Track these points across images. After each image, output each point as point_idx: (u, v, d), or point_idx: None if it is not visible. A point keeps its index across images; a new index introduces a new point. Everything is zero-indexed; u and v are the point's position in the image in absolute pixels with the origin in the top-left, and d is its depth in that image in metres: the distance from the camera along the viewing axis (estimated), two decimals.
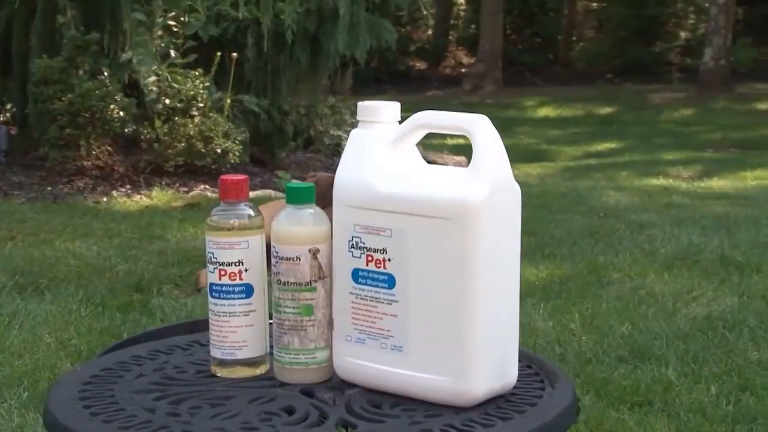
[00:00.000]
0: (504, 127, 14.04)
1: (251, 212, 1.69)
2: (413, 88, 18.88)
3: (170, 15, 6.45)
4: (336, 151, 7.41)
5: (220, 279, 1.68)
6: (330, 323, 1.67)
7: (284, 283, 1.65)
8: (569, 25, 22.26)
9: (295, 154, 7.22)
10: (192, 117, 6.44)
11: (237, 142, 6.46)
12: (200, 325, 3.65)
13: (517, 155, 11.93)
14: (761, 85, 19.27)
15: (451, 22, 22.87)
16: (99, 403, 1.61)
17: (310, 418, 1.55)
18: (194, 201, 5.91)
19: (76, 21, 6.57)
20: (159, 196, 6.16)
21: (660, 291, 4.31)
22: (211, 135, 6.37)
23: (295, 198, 1.66)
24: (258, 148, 6.93)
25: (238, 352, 1.69)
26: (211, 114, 6.48)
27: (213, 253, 1.68)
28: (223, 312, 1.69)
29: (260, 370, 1.71)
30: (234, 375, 1.70)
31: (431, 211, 1.54)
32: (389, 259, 1.58)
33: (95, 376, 1.73)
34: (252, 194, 6.29)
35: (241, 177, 1.71)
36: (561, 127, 14.26)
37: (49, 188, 6.41)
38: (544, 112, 16.07)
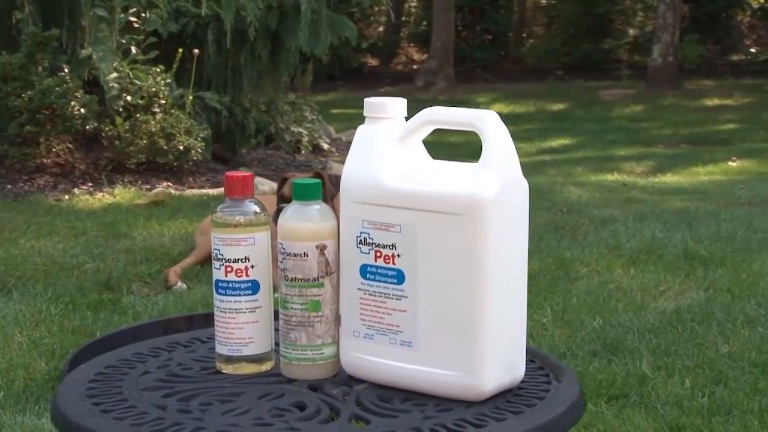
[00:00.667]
0: None
1: (257, 208, 1.69)
2: (366, 85, 18.89)
3: (131, 11, 6.40)
4: (297, 147, 7.40)
5: (226, 275, 1.68)
6: (337, 319, 1.67)
7: (291, 279, 1.65)
8: (519, 22, 22.38)
9: (256, 151, 7.20)
10: (154, 114, 6.40)
11: (199, 139, 6.42)
12: (176, 323, 3.66)
13: (472, 152, 11.95)
14: (708, 82, 19.49)
15: (403, 19, 22.90)
16: (108, 400, 1.60)
17: (322, 413, 1.55)
18: (158, 199, 5.88)
19: (34, 17, 6.50)
20: (122, 194, 6.12)
21: (628, 285, 4.36)
22: (173, 132, 6.33)
23: (302, 194, 1.66)
24: (219, 145, 6.90)
25: (244, 349, 1.70)
26: (172, 111, 6.44)
27: (219, 250, 1.68)
28: (229, 308, 1.69)
29: (266, 367, 1.71)
30: (240, 371, 1.70)
31: (442, 206, 1.55)
32: (398, 255, 1.59)
33: (100, 374, 1.72)
34: (215, 191, 6.28)
35: (247, 174, 1.71)
36: (514, 124, 14.26)
37: (9, 186, 6.34)
38: (496, 108, 16.10)
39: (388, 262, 1.60)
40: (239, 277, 1.68)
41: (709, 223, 5.71)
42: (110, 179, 6.42)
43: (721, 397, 3.15)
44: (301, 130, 7.41)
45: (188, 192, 6.25)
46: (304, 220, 1.65)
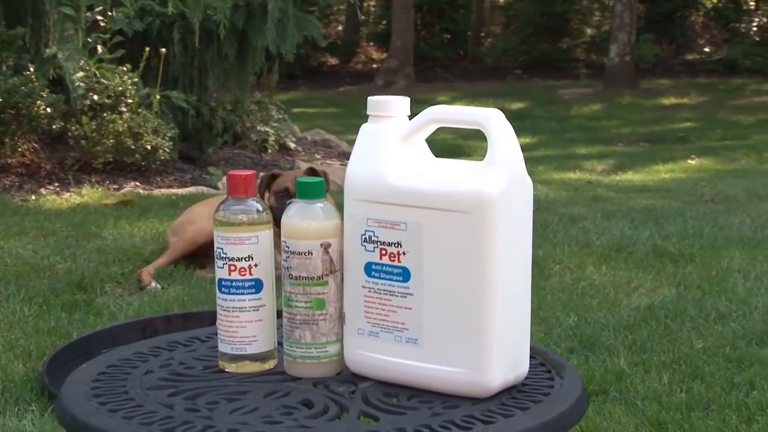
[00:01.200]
0: None
1: (259, 207, 1.70)
2: (325, 84, 18.90)
3: (97, 9, 6.36)
4: (263, 147, 7.39)
5: (230, 274, 1.69)
6: (341, 317, 1.68)
7: (296, 278, 1.66)
8: (478, 21, 22.47)
9: (222, 151, 7.18)
10: (120, 113, 6.36)
11: (167, 138, 6.39)
12: (153, 324, 3.65)
13: (434, 151, 11.99)
14: (664, 81, 19.69)
15: (362, 18, 22.90)
16: (114, 399, 1.60)
17: (330, 411, 1.56)
18: (126, 198, 5.84)
19: None
20: (89, 194, 6.08)
21: (600, 282, 4.40)
22: (141, 131, 6.30)
23: (306, 193, 1.67)
24: (186, 145, 6.87)
25: (248, 347, 1.70)
26: (139, 110, 6.40)
27: (222, 249, 1.69)
28: (233, 307, 1.69)
29: (269, 365, 1.72)
30: (243, 370, 1.70)
31: (449, 204, 1.56)
32: (404, 253, 1.60)
33: (103, 374, 1.72)
34: (184, 191, 6.26)
35: (249, 173, 1.71)
36: None
37: None
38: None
39: (394, 260, 1.61)
40: (243, 275, 1.69)
41: (676, 221, 5.77)
42: (77, 179, 6.37)
43: (699, 392, 3.18)
44: (267, 129, 7.39)
45: (156, 192, 6.22)
46: (308, 219, 1.66)
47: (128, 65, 6.55)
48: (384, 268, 1.62)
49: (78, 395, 1.63)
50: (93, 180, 6.38)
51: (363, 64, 21.72)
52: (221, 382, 1.67)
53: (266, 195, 4.32)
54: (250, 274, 1.68)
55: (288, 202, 4.10)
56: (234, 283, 1.69)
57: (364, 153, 1.65)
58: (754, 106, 16.52)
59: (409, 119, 1.68)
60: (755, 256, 4.93)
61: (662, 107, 16.74)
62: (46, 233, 5.08)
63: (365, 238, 1.63)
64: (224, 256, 1.68)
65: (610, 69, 18.22)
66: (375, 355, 1.65)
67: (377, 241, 1.62)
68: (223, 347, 1.71)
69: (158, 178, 6.51)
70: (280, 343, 1.73)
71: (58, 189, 6.24)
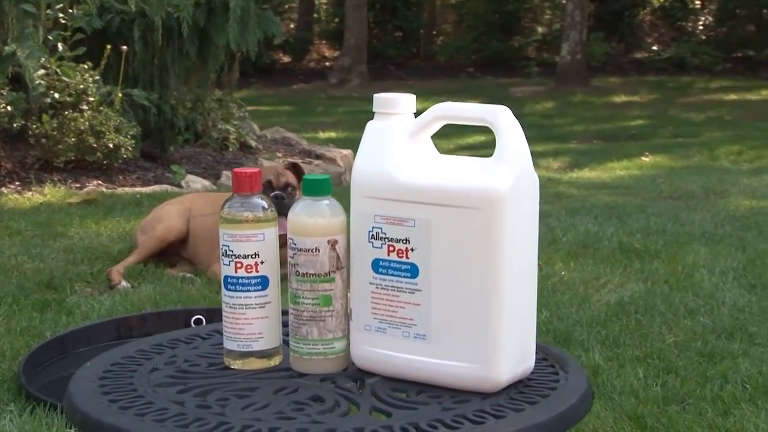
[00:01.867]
0: None
1: (265, 204, 1.70)
2: (279, 82, 18.85)
3: (58, 7, 6.30)
4: (224, 145, 7.36)
5: (236, 271, 1.69)
6: (347, 313, 1.69)
7: (303, 275, 1.66)
8: (430, 19, 22.53)
9: (184, 149, 7.14)
10: (82, 112, 6.31)
11: (129, 136, 6.35)
12: (129, 322, 3.63)
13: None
14: (614, 79, 19.87)
15: (314, 16, 22.88)
16: (124, 397, 1.60)
17: (341, 406, 1.57)
18: (90, 197, 5.80)
19: None
20: (52, 193, 6.03)
21: (570, 278, 4.44)
22: (103, 130, 6.25)
23: (312, 190, 1.68)
24: (147, 143, 6.83)
25: (254, 344, 1.70)
26: (101, 108, 6.35)
27: (228, 246, 1.69)
28: (239, 304, 1.69)
29: (274, 362, 1.72)
30: (248, 367, 1.71)
31: (458, 200, 1.57)
32: (412, 249, 1.61)
33: (109, 371, 1.72)
34: (148, 189, 6.23)
35: (255, 170, 1.72)
36: None
37: None
38: None
39: (402, 256, 1.62)
40: (249, 272, 1.69)
41: (639, 217, 5.83)
42: (38, 178, 6.31)
43: (674, 386, 3.23)
44: (228, 127, 7.37)
45: (120, 190, 6.18)
46: (315, 216, 1.67)
47: (89, 63, 6.49)
48: (392, 265, 1.63)
49: (86, 393, 1.62)
50: (55, 179, 6.33)
51: (316, 62, 21.70)
52: (228, 379, 1.67)
53: None
54: (257, 271, 1.69)
55: (272, 195, 4.10)
56: (240, 280, 1.69)
57: (371, 150, 1.66)
58: (703, 104, 16.74)
59: (415, 116, 1.69)
60: (718, 251, 5.00)
61: (614, 105, 16.90)
62: (11, 232, 5.03)
63: (373, 235, 1.64)
64: (230, 253, 1.69)
65: (562, 67, 18.36)
66: (382, 350, 1.66)
67: (385, 238, 1.63)
68: (228, 344, 1.72)
69: (121, 177, 6.47)
70: (284, 341, 1.74)
71: (19, 188, 6.18)
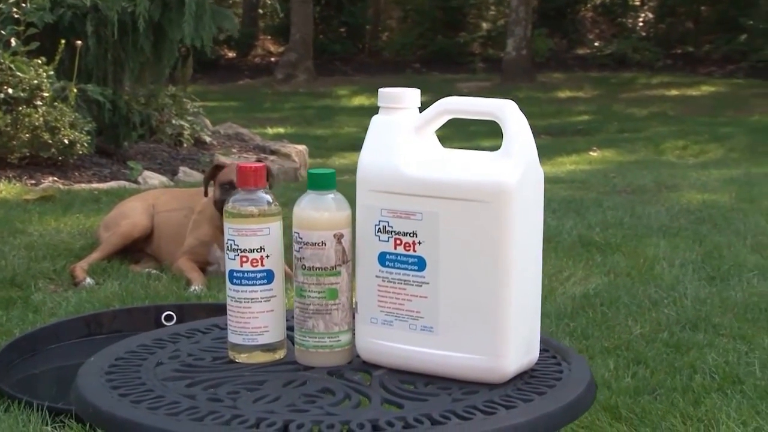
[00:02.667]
0: (323, 116, 14.24)
1: (269, 198, 1.71)
2: (224, 78, 18.75)
3: (11, 1, 6.22)
4: (178, 140, 7.32)
5: (241, 265, 1.69)
6: (352, 306, 1.70)
7: (309, 268, 1.67)
8: (375, 15, 22.54)
9: (138, 145, 7.09)
10: (36, 107, 6.24)
11: (84, 132, 6.29)
12: (99, 319, 3.61)
13: (341, 145, 12.08)
14: (558, 75, 20.04)
15: (259, 11, 22.79)
16: (133, 391, 1.60)
17: (352, 399, 1.58)
18: (47, 194, 5.74)
19: None
20: (7, 189, 5.95)
21: None
22: (57, 125, 6.19)
23: (318, 184, 1.69)
24: (102, 139, 6.77)
25: (259, 338, 1.71)
26: (56, 104, 6.29)
27: (234, 240, 1.70)
28: (244, 298, 1.70)
29: (278, 355, 1.73)
30: (253, 360, 1.72)
31: (466, 194, 1.59)
32: (420, 242, 1.63)
33: (114, 366, 1.72)
34: (105, 186, 6.18)
35: (260, 165, 1.72)
36: None
37: None
38: (358, 101, 16.25)
39: (409, 250, 1.64)
40: (255, 266, 1.70)
41: (596, 211, 5.90)
42: None
43: (645, 377, 3.27)
44: (182, 123, 7.33)
45: (77, 187, 6.13)
46: (320, 210, 1.68)
47: (43, 58, 6.42)
48: (399, 258, 1.64)
49: (95, 387, 1.62)
50: (9, 175, 6.25)
51: (261, 57, 21.62)
52: (235, 373, 1.68)
53: (211, 186, 4.30)
54: (262, 265, 1.70)
55: (224, 194, 4.08)
56: (246, 274, 1.70)
57: (377, 144, 1.67)
58: (646, 99, 16.93)
59: (420, 111, 1.70)
60: (677, 244, 5.07)
61: (559, 100, 17.04)
62: None
63: (379, 228, 1.65)
64: (236, 247, 1.69)
65: (507, 63, 18.48)
66: (388, 343, 1.67)
67: (392, 231, 1.64)
68: (234, 338, 1.72)
69: (76, 173, 6.41)
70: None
71: None
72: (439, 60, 20.44)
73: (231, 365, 1.72)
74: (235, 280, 1.70)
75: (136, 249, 4.55)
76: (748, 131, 12.83)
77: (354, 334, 1.71)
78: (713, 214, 5.92)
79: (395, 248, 1.65)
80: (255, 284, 1.70)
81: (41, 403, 2.85)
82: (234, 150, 7.59)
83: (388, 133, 1.67)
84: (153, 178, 6.39)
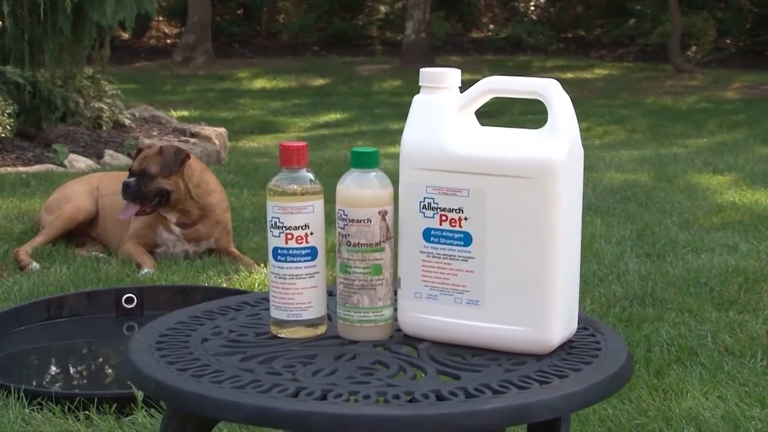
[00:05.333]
0: (225, 99, 14.13)
1: (311, 176, 1.74)
2: (119, 60, 18.42)
3: None
4: (97, 123, 7.21)
5: (286, 243, 1.72)
6: (395, 281, 1.74)
7: (354, 245, 1.71)
8: None
9: (57, 127, 6.97)
10: None
11: (5, 115, 6.17)
12: (59, 302, 3.57)
13: (247, 127, 12.03)
14: (455, 57, 20.18)
15: None
16: (191, 365, 1.62)
17: (407, 371, 1.62)
18: None
19: None
20: None
21: None
22: None
23: (361, 162, 1.72)
24: (21, 121, 6.63)
25: (303, 313, 1.74)
26: None
27: (279, 218, 1.72)
28: (289, 275, 1.73)
29: (320, 331, 1.77)
30: (296, 335, 1.75)
31: (514, 170, 1.64)
32: (466, 218, 1.67)
33: (160, 343, 1.72)
34: (31, 169, 6.07)
35: (302, 144, 1.75)
36: (281, 99, 14.42)
37: None
38: (260, 83, 16.16)
39: (454, 226, 1.68)
40: (300, 244, 1.72)
41: None
42: None
43: None
44: (101, 105, 7.23)
45: (2, 170, 6.01)
46: (365, 187, 1.71)
47: None
48: (444, 234, 1.69)
49: (152, 363, 1.63)
50: None
51: (156, 39, 21.34)
52: (283, 347, 1.70)
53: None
54: (306, 242, 1.73)
55: (123, 181, 4.07)
56: (291, 251, 1.72)
57: (421, 123, 1.71)
58: None
59: (460, 91, 1.74)
60: (610, 222, 5.20)
61: (462, 82, 17.17)
62: None
63: (424, 205, 1.69)
64: (281, 225, 1.72)
65: (407, 45, 18.57)
66: (433, 317, 1.72)
67: (437, 208, 1.69)
68: (278, 314, 1.75)
69: None
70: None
71: None
72: (337, 43, 20.44)
73: (275, 340, 1.74)
74: (279, 257, 1.73)
75: (80, 232, 4.51)
76: (645, 113, 13.13)
77: (396, 308, 1.75)
78: (637, 193, 6.08)
79: (440, 224, 1.69)
80: (300, 261, 1.73)
81: (18, 386, 2.83)
82: (154, 133, 7.51)
83: (431, 112, 1.71)
84: (79, 161, 6.30)
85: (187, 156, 4.29)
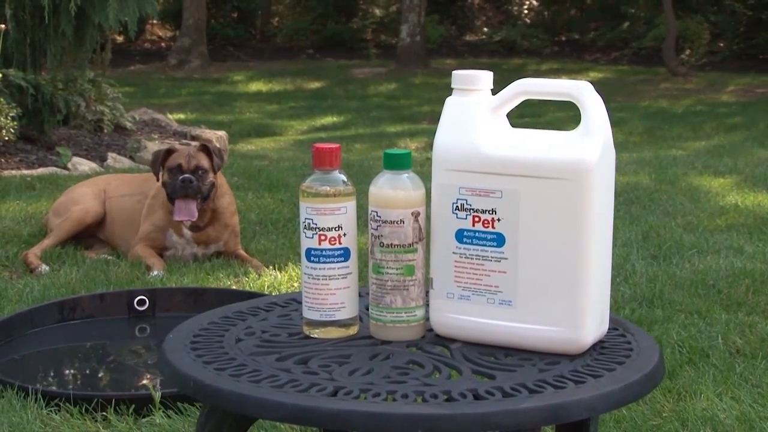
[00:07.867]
0: (222, 102, 14.13)
1: (344, 178, 1.75)
2: (114, 63, 18.41)
3: None
4: (99, 126, 7.22)
5: (320, 244, 1.73)
6: (426, 282, 1.76)
7: (387, 246, 1.72)
8: (268, 0, 22.40)
9: (59, 131, 6.97)
10: None
11: (9, 118, 6.17)
12: (72, 304, 3.57)
13: (244, 130, 12.02)
14: (450, 61, 20.21)
15: None
16: (228, 365, 1.63)
17: (442, 371, 1.64)
18: None
19: None
20: None
21: None
22: None
23: (394, 164, 1.73)
24: (24, 125, 6.63)
25: (336, 314, 1.76)
26: None
27: (312, 219, 1.73)
28: (322, 276, 1.74)
29: (351, 331, 1.78)
30: (328, 336, 1.76)
31: (547, 172, 1.65)
32: (499, 219, 1.69)
33: (194, 343, 1.73)
34: (36, 172, 6.07)
35: (335, 146, 1.76)
36: (277, 102, 14.41)
37: None
38: (255, 86, 16.15)
39: (487, 227, 1.69)
40: (333, 245, 1.74)
41: None
42: None
43: None
44: (102, 108, 7.23)
45: (6, 174, 6.01)
46: (398, 189, 1.72)
47: None
48: (477, 235, 1.70)
49: (189, 363, 1.64)
50: None
51: (151, 42, 21.32)
52: (317, 347, 1.72)
53: (161, 170, 4.28)
54: (339, 243, 1.74)
55: (181, 178, 4.08)
56: (324, 252, 1.74)
57: (454, 124, 1.72)
58: None
59: (493, 93, 1.75)
60: (615, 224, 5.14)
61: (450, 86, 17.17)
62: None
63: (457, 206, 1.71)
64: (314, 226, 1.73)
65: (402, 49, 18.57)
66: (465, 317, 1.73)
67: (470, 209, 1.70)
68: (311, 314, 1.76)
69: (2, 160, 6.28)
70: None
71: None
72: (332, 46, 20.45)
73: (308, 340, 1.75)
74: (312, 258, 1.74)
75: (88, 234, 4.51)
76: (642, 116, 13.14)
77: (428, 308, 1.77)
78: (639, 195, 6.10)
79: (473, 225, 1.70)
80: (333, 262, 1.74)
81: (36, 388, 2.84)
82: (155, 136, 7.52)
83: (464, 114, 1.72)
84: (83, 164, 6.30)
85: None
